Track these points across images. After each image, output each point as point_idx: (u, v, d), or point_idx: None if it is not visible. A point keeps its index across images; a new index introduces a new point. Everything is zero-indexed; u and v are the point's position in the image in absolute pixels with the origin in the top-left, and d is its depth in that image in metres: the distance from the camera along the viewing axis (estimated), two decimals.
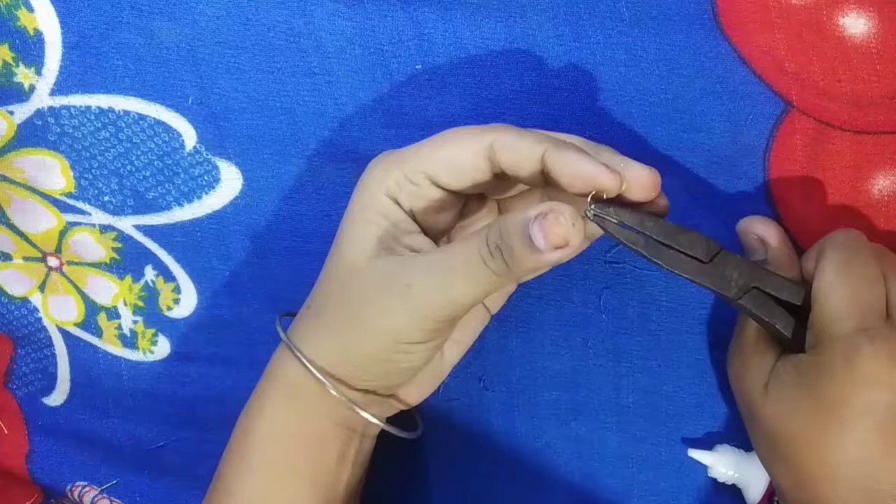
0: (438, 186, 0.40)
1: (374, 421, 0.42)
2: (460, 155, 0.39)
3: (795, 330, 0.40)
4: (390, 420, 0.45)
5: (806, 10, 0.41)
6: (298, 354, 0.41)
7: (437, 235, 0.43)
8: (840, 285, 0.38)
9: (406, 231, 0.40)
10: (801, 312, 0.40)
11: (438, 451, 0.52)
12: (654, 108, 0.44)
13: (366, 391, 0.42)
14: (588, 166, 0.36)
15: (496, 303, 0.46)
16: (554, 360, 0.48)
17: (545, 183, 0.38)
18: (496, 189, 0.42)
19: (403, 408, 0.46)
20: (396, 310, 0.39)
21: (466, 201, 0.43)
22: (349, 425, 0.43)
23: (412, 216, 0.41)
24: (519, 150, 0.38)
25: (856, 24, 0.40)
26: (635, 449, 0.49)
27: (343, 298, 0.40)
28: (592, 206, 0.37)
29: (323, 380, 0.41)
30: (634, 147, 0.45)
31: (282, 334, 0.43)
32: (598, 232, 0.40)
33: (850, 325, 0.37)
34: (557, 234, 0.35)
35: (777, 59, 0.42)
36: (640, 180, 0.37)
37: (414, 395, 0.45)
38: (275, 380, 0.43)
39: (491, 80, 0.45)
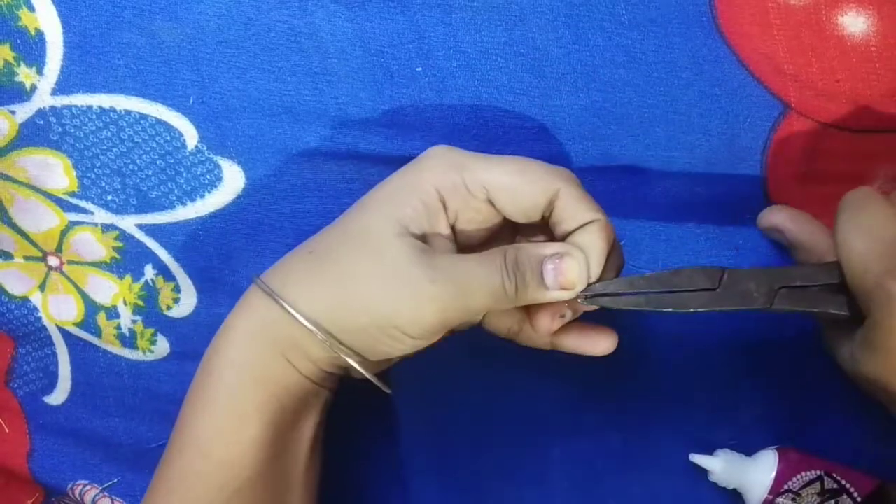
0: (491, 204, 0.40)
1: (360, 370, 0.41)
2: (528, 189, 0.39)
3: (849, 303, 0.39)
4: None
5: (805, 10, 0.41)
6: (283, 304, 0.40)
7: (460, 247, 0.42)
8: (854, 238, 0.38)
9: (438, 233, 0.40)
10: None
11: (439, 451, 0.52)
12: (653, 109, 0.44)
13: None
14: (595, 257, 0.39)
15: None
16: (555, 360, 0.48)
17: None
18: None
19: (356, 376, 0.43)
20: (409, 300, 0.38)
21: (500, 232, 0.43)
22: (316, 378, 0.42)
23: (451, 221, 0.41)
24: (578, 211, 0.39)
25: (855, 23, 0.40)
26: (637, 449, 0.49)
27: (355, 260, 0.39)
28: (582, 294, 0.39)
29: (309, 326, 0.39)
30: (633, 149, 0.45)
31: (261, 285, 0.41)
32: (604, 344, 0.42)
33: (876, 273, 0.37)
34: (568, 278, 0.39)
35: (775, 61, 0.42)
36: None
37: (371, 367, 0.43)
38: (248, 317, 0.41)
39: (490, 83, 0.45)
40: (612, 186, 0.46)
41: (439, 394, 0.51)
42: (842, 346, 0.41)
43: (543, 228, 0.42)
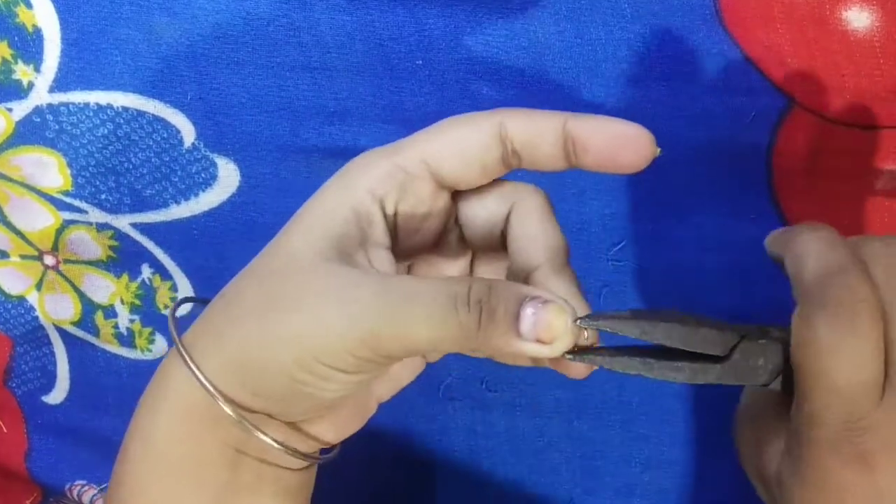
0: (437, 182, 0.34)
1: (265, 439, 0.33)
2: (468, 136, 0.33)
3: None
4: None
5: (808, 4, 0.41)
6: (181, 349, 0.33)
7: (404, 257, 0.36)
8: (828, 375, 0.31)
9: (375, 243, 0.34)
10: None
11: (440, 450, 0.52)
12: (656, 105, 0.44)
13: (265, 413, 0.33)
14: (622, 125, 0.32)
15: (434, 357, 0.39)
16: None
17: (567, 164, 0.34)
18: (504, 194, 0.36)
19: (320, 445, 0.36)
20: (330, 320, 0.31)
21: (447, 234, 0.37)
22: (241, 447, 0.34)
23: (391, 222, 0.35)
24: (536, 122, 0.33)
25: (859, 18, 0.40)
26: (638, 448, 0.49)
27: (267, 290, 0.32)
28: (580, 321, 0.31)
29: (206, 384, 0.32)
30: None
31: (172, 325, 0.34)
32: (581, 371, 0.33)
33: (835, 419, 0.31)
34: (549, 330, 0.30)
35: (780, 55, 0.42)
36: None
37: (329, 432, 0.36)
38: (160, 385, 0.35)
39: (491, 76, 0.45)
40: (612, 182, 0.46)
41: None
42: (773, 441, 0.35)
43: (502, 255, 0.36)
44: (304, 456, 0.35)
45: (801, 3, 0.41)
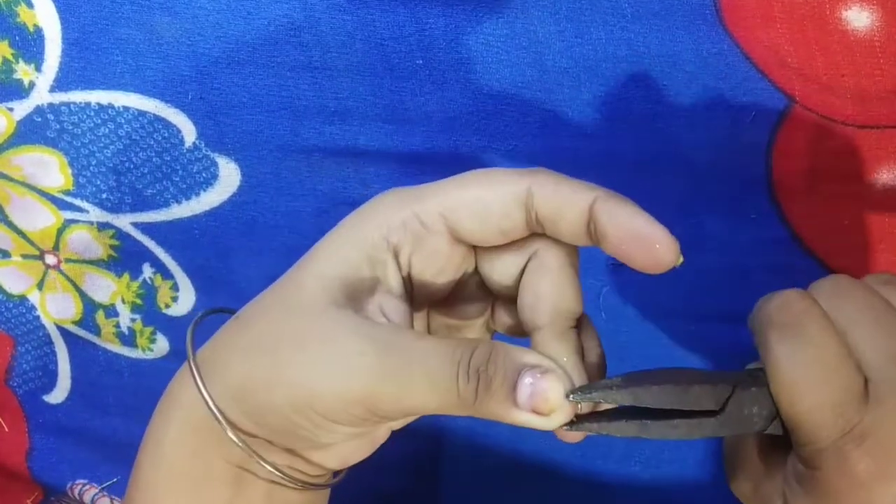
0: (453, 237, 0.33)
1: (265, 466, 0.33)
2: (490, 196, 0.32)
3: None
4: None
5: (808, 4, 0.40)
6: (194, 370, 0.33)
7: (419, 305, 0.36)
8: (800, 378, 0.31)
9: (387, 290, 0.33)
10: None
11: (441, 450, 0.52)
12: (656, 104, 0.44)
13: (267, 440, 0.34)
14: (647, 225, 0.31)
15: None
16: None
17: (589, 242, 0.32)
18: (518, 251, 0.34)
19: (324, 471, 0.36)
20: (329, 375, 0.30)
21: (465, 281, 0.36)
22: (245, 466, 0.34)
23: (405, 272, 0.34)
24: (563, 194, 0.32)
25: (859, 18, 0.40)
26: (638, 448, 0.49)
27: (274, 326, 0.32)
28: (573, 396, 0.31)
29: (215, 410, 0.32)
30: (636, 144, 0.45)
31: (189, 342, 0.34)
32: (577, 438, 0.33)
33: (830, 435, 0.31)
34: (546, 403, 0.30)
35: (779, 55, 0.42)
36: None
37: (333, 460, 0.35)
38: (174, 393, 0.35)
39: (492, 76, 0.44)
40: (613, 183, 0.46)
41: None
42: (770, 488, 0.34)
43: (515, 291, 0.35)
44: (305, 484, 0.34)
45: (802, 2, 0.41)
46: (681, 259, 0.31)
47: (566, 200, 0.32)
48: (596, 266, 0.47)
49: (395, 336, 0.31)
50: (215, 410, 0.32)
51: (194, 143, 0.48)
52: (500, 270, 0.34)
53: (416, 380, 0.30)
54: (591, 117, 0.44)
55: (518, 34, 0.44)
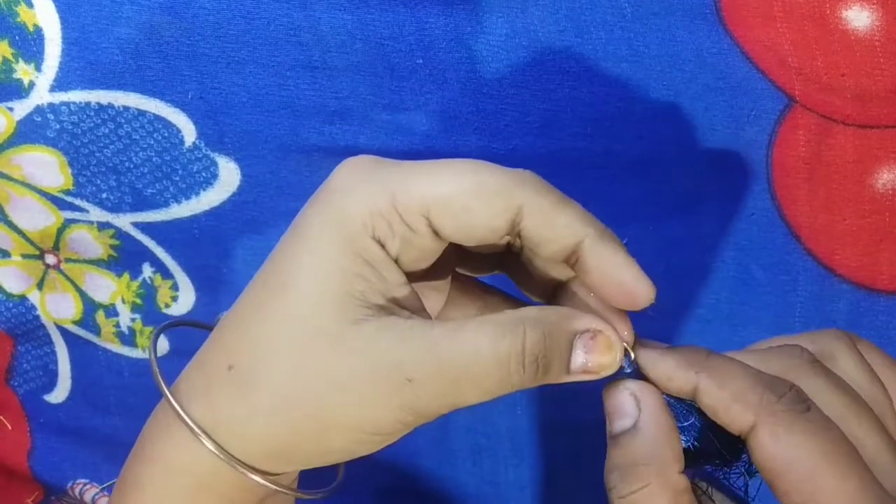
0: (432, 231, 0.31)
1: (289, 493, 0.32)
2: (478, 210, 0.30)
3: None
4: None
5: (809, 3, 0.40)
6: (209, 445, 0.31)
7: (419, 279, 0.34)
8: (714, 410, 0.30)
9: (395, 283, 0.31)
10: None
11: (441, 450, 0.52)
12: (657, 104, 0.44)
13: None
14: (634, 280, 0.31)
15: None
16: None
17: (563, 268, 0.32)
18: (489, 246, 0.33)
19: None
20: (383, 403, 0.29)
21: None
22: (245, 494, 0.33)
23: (394, 257, 0.32)
24: (556, 227, 0.30)
25: (859, 17, 0.40)
26: None
27: (295, 373, 0.30)
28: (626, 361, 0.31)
29: (260, 480, 0.31)
30: (636, 144, 0.45)
31: (185, 418, 0.31)
32: None
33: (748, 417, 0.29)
34: (600, 362, 0.30)
35: (780, 54, 0.42)
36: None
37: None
38: (161, 463, 0.33)
39: (492, 76, 0.44)
40: (614, 182, 0.46)
41: None
42: None
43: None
44: (309, 492, 0.34)
45: (802, 2, 0.41)
46: (653, 302, 0.31)
47: (557, 234, 0.30)
48: None
49: (431, 346, 0.29)
50: (257, 478, 0.31)
51: (194, 142, 0.48)
52: (483, 240, 0.32)
53: (469, 389, 0.29)
54: (591, 117, 0.44)
55: (518, 33, 0.44)
